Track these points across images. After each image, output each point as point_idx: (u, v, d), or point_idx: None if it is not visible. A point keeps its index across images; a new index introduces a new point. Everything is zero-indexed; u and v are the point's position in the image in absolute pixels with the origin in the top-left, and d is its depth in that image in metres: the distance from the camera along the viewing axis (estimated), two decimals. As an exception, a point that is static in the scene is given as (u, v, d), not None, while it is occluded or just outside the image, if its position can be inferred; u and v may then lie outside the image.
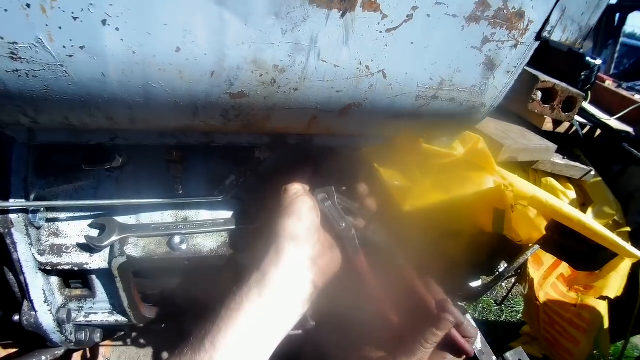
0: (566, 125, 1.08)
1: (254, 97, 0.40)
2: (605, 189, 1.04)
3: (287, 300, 0.50)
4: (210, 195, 0.65)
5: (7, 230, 0.57)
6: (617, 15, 2.55)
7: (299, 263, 0.51)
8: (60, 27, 0.33)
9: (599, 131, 1.12)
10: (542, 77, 1.00)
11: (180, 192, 0.63)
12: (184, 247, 0.62)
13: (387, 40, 0.42)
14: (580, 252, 0.91)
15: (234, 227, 0.66)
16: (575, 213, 0.83)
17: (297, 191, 0.57)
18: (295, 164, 0.66)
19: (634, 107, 1.17)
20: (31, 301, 0.61)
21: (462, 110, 0.56)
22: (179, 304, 0.73)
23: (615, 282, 0.89)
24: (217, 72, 0.37)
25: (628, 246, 0.85)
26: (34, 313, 0.62)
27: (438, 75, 0.48)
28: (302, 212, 0.54)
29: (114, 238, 0.60)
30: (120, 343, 1.38)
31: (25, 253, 0.58)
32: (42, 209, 0.59)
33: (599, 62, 1.02)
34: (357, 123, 0.51)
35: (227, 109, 0.41)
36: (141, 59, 0.35)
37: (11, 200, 0.57)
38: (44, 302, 0.62)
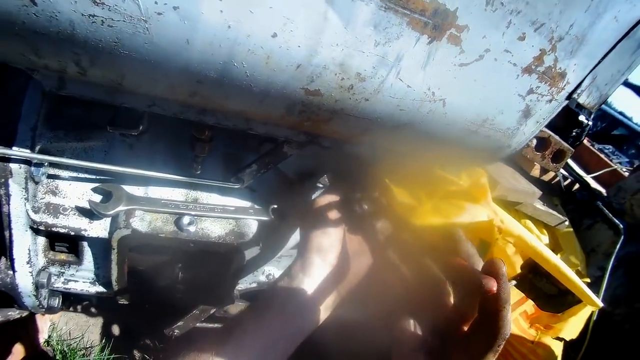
0: (551, 174, 1.16)
1: (327, 98, 0.40)
2: (574, 239, 1.13)
3: (310, 307, 0.51)
4: (226, 181, 0.63)
5: (3, 180, 0.51)
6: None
7: (324, 273, 0.53)
8: (158, -18, 0.31)
9: (577, 185, 1.21)
10: (540, 126, 1.06)
11: (198, 172, 0.61)
12: (192, 228, 0.59)
13: (457, 73, 0.43)
14: (549, 294, 0.98)
15: (244, 216, 0.64)
16: (553, 258, 0.89)
17: (326, 205, 0.59)
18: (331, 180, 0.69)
19: (608, 169, 1.28)
20: (12, 260, 0.56)
21: (491, 148, 0.59)
22: (164, 285, 0.69)
23: (573, 326, 0.97)
24: (304, 66, 0.36)
25: (593, 295, 0.93)
26: (11, 272, 0.56)
27: (485, 113, 0.51)
28: (328, 225, 0.56)
29: (121, 208, 0.56)
30: (70, 309, 1.30)
31: (17, 207, 0.53)
32: (46, 163, 0.55)
33: (590, 123, 1.10)
34: (400, 141, 0.52)
35: (295, 103, 0.41)
36: (234, 35, 0.33)
37: (15, 148, 0.51)
38: (27, 262, 0.57)
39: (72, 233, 0.56)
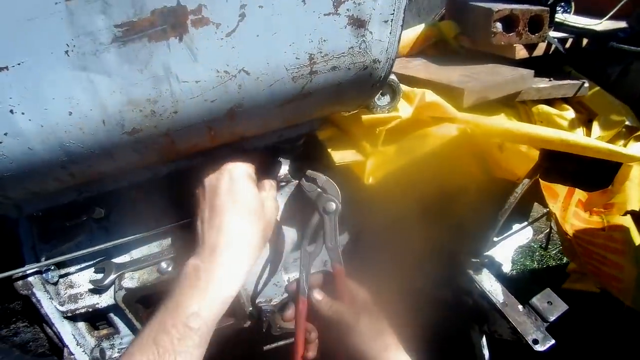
0: (543, 46, 1.00)
1: (147, 129, 0.46)
2: (606, 96, 0.95)
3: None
4: (180, 220, 0.72)
5: (30, 291, 0.69)
6: None
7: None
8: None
9: (585, 40, 1.02)
10: (495, 7, 0.94)
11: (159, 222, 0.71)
12: (170, 269, 0.70)
13: (232, 43, 0.44)
14: (578, 172, 0.84)
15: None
16: (554, 133, 0.78)
17: (242, 174, 0.59)
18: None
19: (622, 2, 1.05)
20: (67, 346, 0.72)
21: (353, 73, 0.54)
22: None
23: (633, 193, 0.81)
24: (107, 120, 0.44)
25: (626, 150, 0.78)
26: (72, 356, 0.73)
27: (302, 52, 0.48)
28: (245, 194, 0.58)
29: (112, 277, 0.70)
30: None
31: (49, 307, 0.70)
32: (53, 267, 0.71)
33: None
34: (253, 121, 0.54)
35: (133, 146, 0.48)
36: (49, 128, 0.43)
37: (26, 267, 0.69)
38: (77, 345, 0.73)
39: (91, 309, 0.71)
